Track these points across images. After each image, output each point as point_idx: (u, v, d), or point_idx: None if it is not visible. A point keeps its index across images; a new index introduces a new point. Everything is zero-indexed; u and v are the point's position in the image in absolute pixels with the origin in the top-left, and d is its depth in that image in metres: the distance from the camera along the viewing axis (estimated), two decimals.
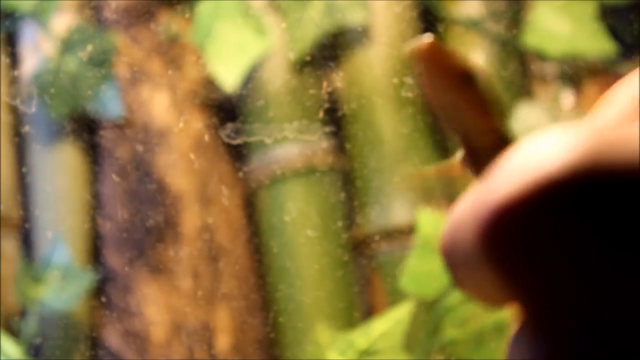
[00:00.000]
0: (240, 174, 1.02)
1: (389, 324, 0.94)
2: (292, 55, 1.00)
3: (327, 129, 1.01)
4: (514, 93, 1.02)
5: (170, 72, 1.02)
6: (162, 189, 1.00)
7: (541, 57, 1.03)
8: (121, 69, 1.02)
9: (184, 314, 0.99)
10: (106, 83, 1.00)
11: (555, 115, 1.01)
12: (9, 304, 1.00)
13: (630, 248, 0.24)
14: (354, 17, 1.01)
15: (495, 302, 0.27)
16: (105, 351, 1.00)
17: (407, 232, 0.98)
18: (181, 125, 1.01)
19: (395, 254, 0.99)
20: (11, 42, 1.04)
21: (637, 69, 0.33)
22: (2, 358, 0.96)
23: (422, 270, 0.94)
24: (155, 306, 0.99)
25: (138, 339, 0.99)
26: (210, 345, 0.99)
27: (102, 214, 1.02)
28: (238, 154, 1.02)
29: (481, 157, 0.31)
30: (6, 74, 1.02)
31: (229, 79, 0.99)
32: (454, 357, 0.92)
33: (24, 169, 1.03)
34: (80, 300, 0.99)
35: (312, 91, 1.01)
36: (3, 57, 1.02)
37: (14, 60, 1.03)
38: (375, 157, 1.00)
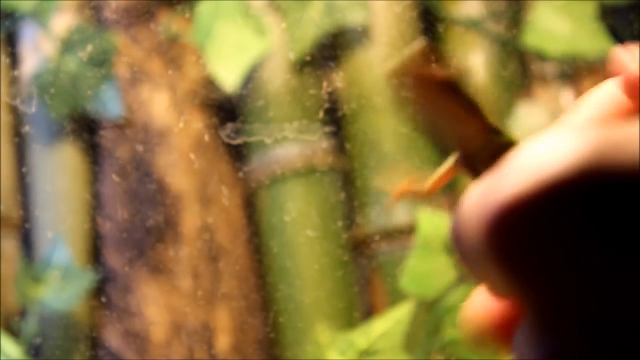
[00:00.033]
0: (240, 174, 1.02)
1: (389, 324, 0.94)
2: (292, 55, 1.00)
3: (327, 129, 1.01)
4: (514, 93, 1.02)
5: (170, 72, 1.02)
6: (162, 189, 1.00)
7: (541, 57, 1.03)
8: (121, 69, 1.02)
9: (184, 314, 0.99)
10: (106, 83, 1.00)
11: (555, 115, 1.01)
12: (9, 304, 1.00)
13: (633, 248, 0.24)
14: (354, 17, 1.01)
15: (502, 294, 0.27)
16: (105, 351, 1.00)
17: (407, 232, 0.98)
18: (181, 125, 1.01)
19: (395, 254, 0.99)
20: (11, 42, 1.04)
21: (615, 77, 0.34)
22: (2, 358, 0.96)
23: (422, 270, 0.94)
24: (155, 306, 0.99)
25: (138, 339, 0.99)
26: (210, 345, 0.99)
27: (102, 214, 1.02)
28: (238, 154, 1.02)
29: (476, 159, 0.31)
30: (6, 74, 1.02)
31: (229, 79, 0.99)
32: (454, 357, 0.92)
33: (24, 169, 1.03)
34: (80, 300, 0.99)
35: (312, 91, 1.01)
36: (3, 57, 1.02)
37: (14, 60, 1.03)
38: (375, 157, 1.00)
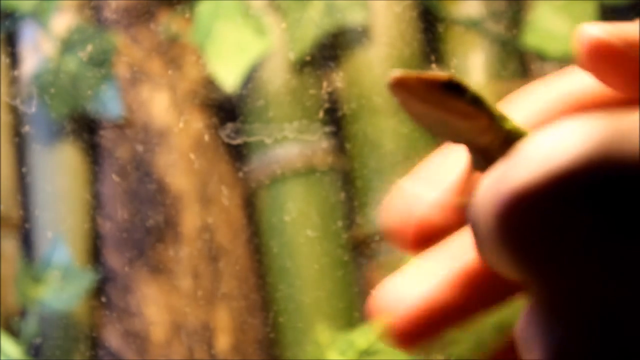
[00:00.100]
0: (240, 174, 1.02)
1: None
2: (292, 55, 1.00)
3: (327, 129, 1.01)
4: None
5: (170, 72, 1.02)
6: (162, 189, 1.00)
7: (541, 57, 1.03)
8: (121, 69, 1.02)
9: (184, 314, 0.99)
10: (106, 83, 1.00)
11: None
12: (9, 304, 1.00)
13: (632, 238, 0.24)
14: (354, 17, 1.01)
15: (512, 278, 0.28)
16: (105, 351, 1.00)
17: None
18: (181, 125, 1.01)
19: (395, 254, 0.99)
20: (11, 42, 1.04)
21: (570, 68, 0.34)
22: (2, 358, 0.96)
23: None
24: (155, 306, 0.99)
25: (138, 339, 0.99)
26: (210, 345, 0.99)
27: (102, 214, 1.02)
28: (238, 154, 1.02)
29: (488, 156, 0.31)
30: (6, 74, 1.02)
31: (229, 79, 0.99)
32: (454, 357, 0.92)
33: (24, 169, 1.03)
34: (80, 300, 0.99)
35: (312, 91, 1.01)
36: (3, 57, 1.02)
37: (14, 60, 1.03)
38: (375, 157, 1.00)
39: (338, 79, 1.01)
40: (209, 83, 1.01)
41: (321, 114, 1.00)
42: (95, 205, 1.02)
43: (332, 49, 1.02)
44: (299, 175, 1.01)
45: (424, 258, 0.35)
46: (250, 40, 1.00)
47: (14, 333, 0.98)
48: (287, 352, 1.00)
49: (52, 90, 1.00)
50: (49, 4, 1.01)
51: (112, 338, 0.99)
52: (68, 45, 1.01)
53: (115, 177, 1.01)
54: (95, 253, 1.02)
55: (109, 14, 1.03)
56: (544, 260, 0.26)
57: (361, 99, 1.00)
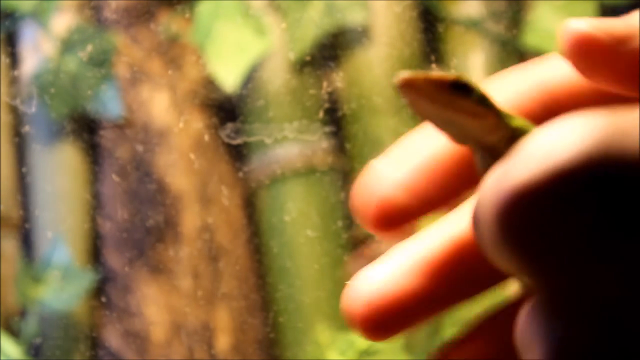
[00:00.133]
0: (240, 174, 1.02)
1: None
2: (292, 55, 1.00)
3: (327, 129, 1.01)
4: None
5: (170, 72, 1.02)
6: (162, 189, 1.00)
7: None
8: (121, 69, 1.02)
9: (184, 314, 0.99)
10: (106, 83, 1.00)
11: None
12: (9, 304, 1.00)
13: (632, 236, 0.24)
14: (354, 17, 1.01)
15: (515, 276, 0.28)
16: (105, 351, 1.00)
17: (407, 232, 0.98)
18: (181, 125, 1.01)
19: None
20: (11, 42, 1.04)
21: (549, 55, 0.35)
22: (2, 358, 0.96)
23: None
24: (155, 306, 0.99)
25: (138, 339, 0.99)
26: (210, 345, 0.99)
27: (102, 214, 1.02)
28: (238, 154, 1.02)
29: (496, 154, 0.32)
30: (6, 74, 1.02)
31: (229, 79, 0.99)
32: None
33: (24, 169, 1.03)
34: (80, 300, 0.99)
35: (312, 91, 1.01)
36: (3, 57, 1.02)
37: (14, 60, 1.03)
38: (375, 157, 1.00)
39: (338, 79, 1.01)
40: (209, 83, 1.01)
41: (321, 114, 1.00)
42: (95, 205, 1.02)
43: (332, 49, 1.02)
44: (299, 175, 1.01)
45: (400, 246, 0.35)
46: (250, 40, 1.00)
47: (14, 333, 0.98)
48: (287, 352, 1.00)
49: (52, 90, 1.00)
50: (49, 4, 1.01)
51: (112, 338, 0.99)
52: (68, 45, 1.01)
53: (115, 177, 1.01)
54: (95, 253, 1.02)
55: (109, 14, 1.03)
56: (544, 259, 0.26)
57: (361, 99, 1.00)
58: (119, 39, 1.02)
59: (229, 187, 1.02)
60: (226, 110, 1.02)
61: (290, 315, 0.99)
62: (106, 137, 1.02)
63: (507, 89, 0.36)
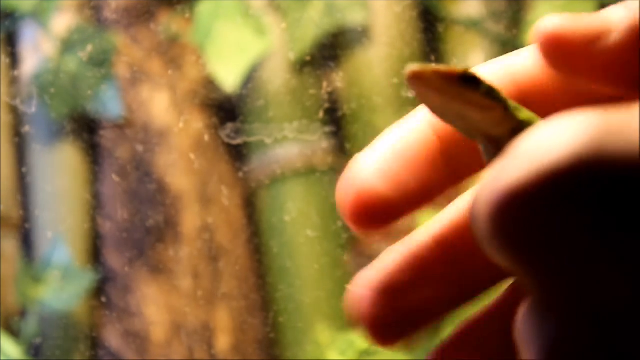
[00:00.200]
0: (240, 174, 1.02)
1: None
2: (292, 55, 1.00)
3: (327, 129, 1.01)
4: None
5: (170, 72, 1.02)
6: (162, 189, 1.00)
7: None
8: (121, 69, 1.02)
9: (184, 314, 0.99)
10: (106, 83, 1.00)
11: None
12: (9, 304, 1.00)
13: (633, 234, 0.24)
14: (354, 17, 1.01)
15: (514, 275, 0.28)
16: (105, 351, 1.00)
17: (407, 232, 0.98)
18: (181, 125, 1.01)
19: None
20: (11, 42, 1.04)
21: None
22: (2, 358, 0.96)
23: None
24: (155, 306, 0.99)
25: (138, 339, 0.99)
26: (210, 345, 0.99)
27: (102, 214, 1.02)
28: (238, 154, 1.02)
29: (503, 147, 0.32)
30: (6, 74, 1.02)
31: (229, 79, 0.99)
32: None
33: (24, 169, 1.03)
34: (80, 300, 0.99)
35: (312, 91, 1.01)
36: (3, 57, 1.02)
37: (14, 60, 1.03)
38: None
39: (338, 79, 1.01)
40: (209, 83, 1.01)
41: (321, 114, 1.00)
42: (95, 205, 1.02)
43: (332, 49, 1.02)
44: (299, 175, 1.01)
45: (400, 243, 0.35)
46: (250, 40, 1.00)
47: (14, 333, 0.98)
48: (287, 352, 1.00)
49: (52, 90, 1.00)
50: (49, 4, 1.01)
51: (112, 338, 0.99)
52: (68, 45, 1.01)
53: (115, 177, 1.01)
54: (95, 253, 1.02)
55: (109, 14, 1.03)
56: (539, 259, 0.25)
57: (361, 99, 1.00)
58: (119, 39, 1.02)
59: (229, 187, 1.02)
60: (226, 110, 1.02)
61: (290, 315, 0.99)
62: (106, 137, 1.02)
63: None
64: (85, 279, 0.99)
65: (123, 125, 1.01)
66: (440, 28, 1.03)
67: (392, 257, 0.34)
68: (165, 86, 1.02)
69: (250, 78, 1.00)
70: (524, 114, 0.33)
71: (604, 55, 0.32)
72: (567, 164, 0.24)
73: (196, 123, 1.01)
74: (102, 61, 1.01)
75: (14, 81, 1.02)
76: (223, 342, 0.99)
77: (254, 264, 1.02)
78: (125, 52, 1.02)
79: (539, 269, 0.26)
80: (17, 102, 1.01)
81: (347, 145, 1.01)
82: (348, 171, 0.34)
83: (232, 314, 1.00)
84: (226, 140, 1.00)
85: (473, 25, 1.03)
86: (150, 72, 1.02)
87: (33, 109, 1.00)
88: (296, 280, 0.99)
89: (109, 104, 1.00)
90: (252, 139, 1.00)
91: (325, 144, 1.01)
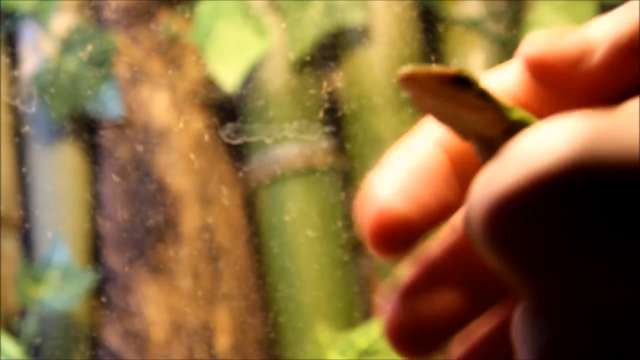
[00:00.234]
0: (240, 174, 1.02)
1: None
2: (292, 55, 1.00)
3: (327, 129, 1.01)
4: None
5: (170, 72, 1.02)
6: (162, 189, 1.00)
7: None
8: (121, 69, 1.02)
9: (184, 314, 0.99)
10: (106, 83, 1.00)
11: None
12: (9, 304, 1.00)
13: (626, 237, 0.24)
14: (354, 17, 1.01)
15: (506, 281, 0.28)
16: (105, 351, 1.00)
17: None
18: (181, 125, 1.01)
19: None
20: (11, 42, 1.04)
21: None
22: (2, 358, 0.96)
23: None
24: (155, 306, 0.99)
25: (138, 339, 0.99)
26: (210, 345, 0.99)
27: (102, 214, 1.02)
28: (238, 154, 1.02)
29: (496, 148, 0.32)
30: (6, 74, 1.02)
31: (229, 79, 0.99)
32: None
33: (24, 169, 1.03)
34: (80, 300, 0.99)
35: (312, 91, 1.01)
36: (3, 57, 1.02)
37: (14, 60, 1.03)
38: (375, 157, 1.00)
39: (338, 79, 1.01)
40: (209, 83, 1.01)
41: (321, 114, 1.00)
42: (95, 205, 1.02)
43: (332, 49, 1.02)
44: (299, 175, 1.01)
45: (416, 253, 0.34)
46: (250, 40, 1.00)
47: (14, 333, 0.98)
48: (287, 352, 1.00)
49: (52, 90, 1.00)
50: (49, 4, 1.01)
51: (112, 338, 0.99)
52: (68, 45, 1.01)
53: (115, 177, 1.01)
54: (95, 253, 1.02)
55: (109, 14, 1.03)
56: (530, 262, 0.26)
57: (361, 99, 1.00)
58: (119, 39, 1.02)
59: (229, 187, 1.02)
60: (226, 110, 1.02)
61: (290, 315, 0.99)
62: (106, 137, 1.02)
63: None
64: (85, 279, 0.99)
65: (123, 125, 1.01)
66: (440, 28, 1.03)
67: (410, 267, 0.34)
68: (165, 86, 1.02)
69: (250, 78, 1.01)
70: (517, 114, 0.33)
71: (586, 77, 0.33)
72: (561, 167, 0.24)
73: (196, 123, 1.02)
74: (102, 61, 1.01)
75: (14, 81, 1.02)
76: (223, 342, 0.99)
77: (254, 264, 1.02)
78: (125, 52, 1.02)
79: (533, 271, 0.26)
80: (17, 102, 1.01)
81: (347, 145, 1.01)
82: (365, 193, 0.34)
83: (232, 314, 1.00)
84: (226, 140, 1.00)
85: (473, 25, 1.03)
86: (150, 72, 1.02)
87: (33, 109, 1.00)
88: (296, 280, 0.99)
89: (109, 104, 1.00)
90: (252, 139, 1.00)
91: (325, 144, 1.01)
